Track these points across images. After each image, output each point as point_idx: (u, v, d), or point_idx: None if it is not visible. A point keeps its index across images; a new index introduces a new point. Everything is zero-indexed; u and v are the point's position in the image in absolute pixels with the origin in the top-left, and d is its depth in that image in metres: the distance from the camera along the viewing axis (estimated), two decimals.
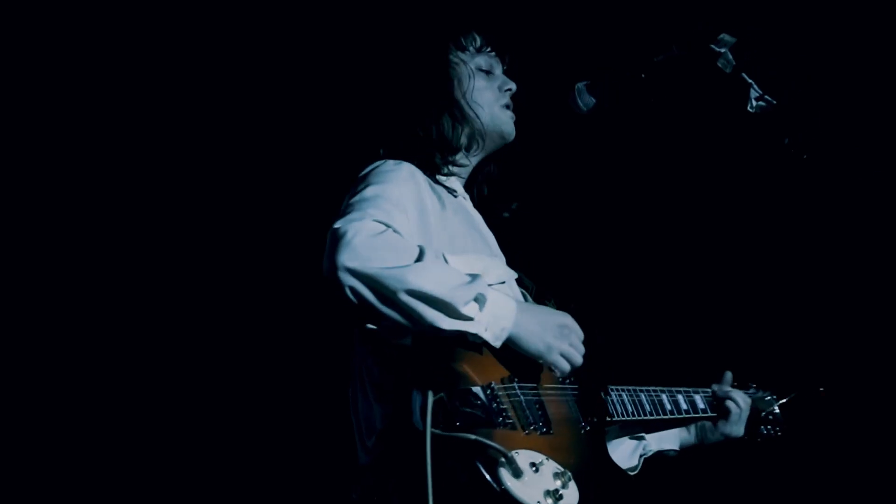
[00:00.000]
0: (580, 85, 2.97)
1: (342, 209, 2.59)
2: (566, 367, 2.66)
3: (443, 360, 2.49)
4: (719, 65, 2.83)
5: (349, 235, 2.41)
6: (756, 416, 3.37)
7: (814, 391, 3.46)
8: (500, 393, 2.54)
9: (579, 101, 2.95)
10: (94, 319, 4.07)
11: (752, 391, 3.42)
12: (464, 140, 2.91)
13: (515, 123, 3.00)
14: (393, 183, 2.65)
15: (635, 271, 4.46)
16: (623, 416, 2.92)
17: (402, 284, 2.39)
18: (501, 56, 3.07)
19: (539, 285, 3.00)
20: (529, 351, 2.61)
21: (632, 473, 3.19)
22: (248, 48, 4.11)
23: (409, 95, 2.91)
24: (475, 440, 2.41)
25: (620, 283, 4.42)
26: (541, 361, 2.64)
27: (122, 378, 4.08)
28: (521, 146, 3.05)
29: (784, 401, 3.46)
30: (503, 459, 2.42)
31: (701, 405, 3.23)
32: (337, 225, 2.46)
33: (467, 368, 2.51)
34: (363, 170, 2.75)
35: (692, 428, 3.34)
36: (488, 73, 3.00)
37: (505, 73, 3.05)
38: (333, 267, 2.40)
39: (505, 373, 2.59)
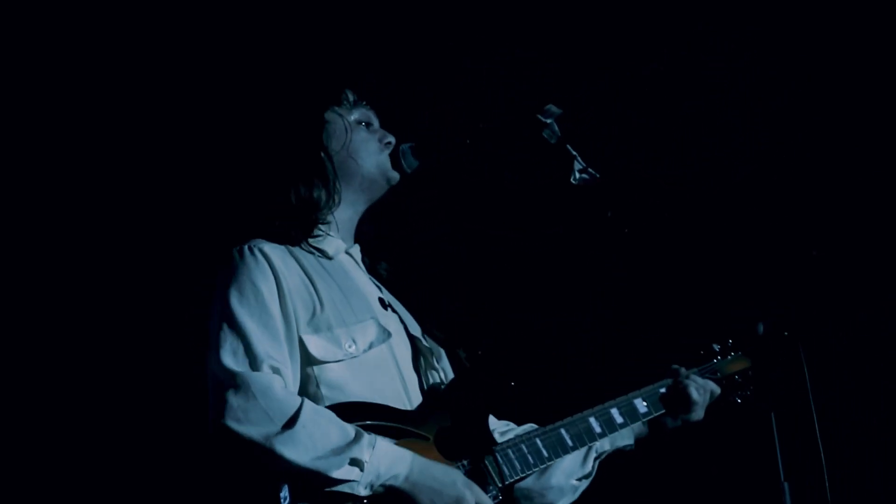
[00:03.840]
0: (405, 146, 2.96)
1: (215, 341, 2.60)
2: None
3: None
4: (545, 135, 2.83)
5: (230, 392, 2.51)
6: (731, 384, 3.26)
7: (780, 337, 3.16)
8: None
9: (403, 163, 2.94)
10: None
11: (714, 362, 3.29)
12: (320, 196, 2.87)
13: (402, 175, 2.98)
14: (260, 293, 2.66)
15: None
16: (515, 475, 2.82)
17: (274, 456, 2.48)
18: (376, 109, 3.08)
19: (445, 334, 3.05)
20: None
21: (587, 481, 3.11)
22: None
23: (264, 163, 2.92)
24: None
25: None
26: None
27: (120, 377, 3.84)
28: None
29: (747, 358, 3.31)
30: None
31: (643, 409, 3.10)
32: (225, 367, 2.55)
33: None
34: (220, 271, 2.72)
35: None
36: (368, 125, 3.03)
37: (381, 126, 3.06)
38: (216, 420, 2.51)
39: None
